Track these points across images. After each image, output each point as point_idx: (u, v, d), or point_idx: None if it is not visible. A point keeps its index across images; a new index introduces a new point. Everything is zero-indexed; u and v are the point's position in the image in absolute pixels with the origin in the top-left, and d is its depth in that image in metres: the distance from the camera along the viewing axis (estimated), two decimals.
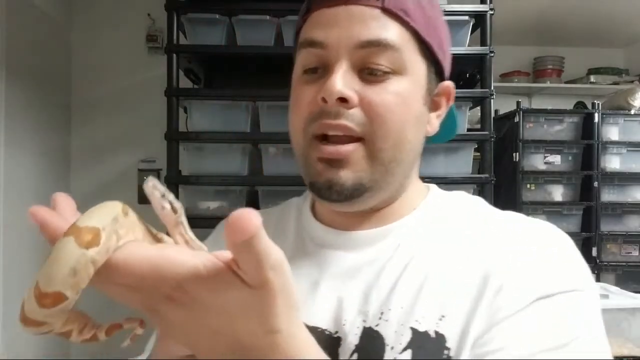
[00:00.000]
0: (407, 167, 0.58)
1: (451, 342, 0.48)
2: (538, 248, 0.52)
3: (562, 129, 2.69)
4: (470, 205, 0.61)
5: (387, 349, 0.49)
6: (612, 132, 2.73)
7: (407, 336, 0.49)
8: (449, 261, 0.53)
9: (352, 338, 0.51)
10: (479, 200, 0.62)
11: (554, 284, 0.48)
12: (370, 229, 0.59)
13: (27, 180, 2.11)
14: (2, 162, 1.93)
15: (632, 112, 2.72)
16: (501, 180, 2.26)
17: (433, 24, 0.58)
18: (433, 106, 0.60)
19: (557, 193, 2.69)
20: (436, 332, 0.48)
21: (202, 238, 0.42)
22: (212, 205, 1.80)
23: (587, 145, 2.68)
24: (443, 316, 0.49)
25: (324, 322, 0.54)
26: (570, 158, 2.70)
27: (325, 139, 0.54)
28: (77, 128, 2.47)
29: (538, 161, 2.68)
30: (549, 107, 2.79)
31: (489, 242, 0.53)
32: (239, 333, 0.34)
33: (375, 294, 0.53)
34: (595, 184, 2.66)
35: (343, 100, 0.52)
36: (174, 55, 1.77)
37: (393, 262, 0.55)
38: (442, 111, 0.62)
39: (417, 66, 0.56)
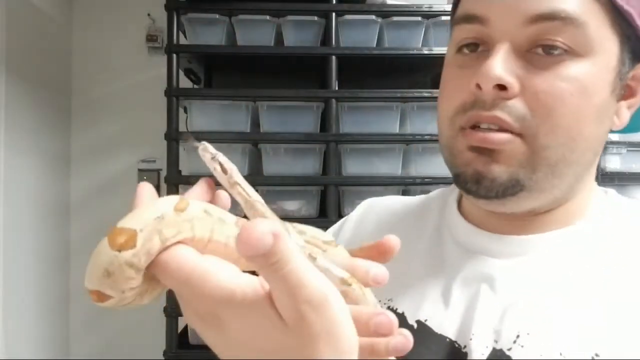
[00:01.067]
0: (582, 168, 0.47)
1: None
2: None
3: None
4: None
5: None
6: None
7: None
8: (613, 288, 0.44)
9: (476, 356, 0.44)
10: None
11: None
12: (523, 234, 0.49)
13: (27, 180, 2.11)
14: (2, 162, 1.93)
15: None
16: None
17: None
18: (626, 93, 0.48)
19: None
20: None
21: None
22: None
23: None
24: (597, 355, 0.40)
25: (452, 332, 0.47)
26: None
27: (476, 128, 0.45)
28: (77, 128, 2.47)
29: None
30: None
31: None
32: None
33: (513, 312, 0.45)
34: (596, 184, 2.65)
35: (501, 87, 0.43)
36: (174, 55, 1.77)
37: (542, 279, 0.46)
38: (638, 99, 0.49)
39: (607, 44, 0.44)
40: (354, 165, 1.80)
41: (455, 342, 0.46)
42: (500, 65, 0.43)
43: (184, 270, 0.28)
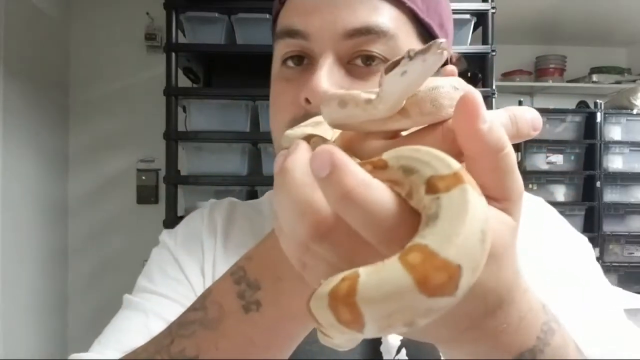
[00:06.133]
0: None
1: None
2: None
3: (564, 129, 2.68)
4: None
5: None
6: (614, 131, 2.71)
7: None
8: (531, 259, 0.51)
9: (391, 340, 0.47)
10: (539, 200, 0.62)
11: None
12: None
13: (25, 179, 2.09)
14: (0, 162, 1.91)
15: (635, 111, 2.71)
16: None
17: (433, 0, 0.51)
18: None
19: (560, 193, 2.67)
20: None
21: None
22: None
23: (589, 145, 2.66)
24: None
25: None
26: (572, 158, 2.68)
27: None
28: (76, 127, 2.46)
29: (540, 161, 2.67)
30: (551, 107, 2.77)
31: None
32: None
33: None
34: (598, 184, 2.64)
35: None
36: (173, 54, 1.76)
37: None
38: None
39: None
40: None
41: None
42: (326, 79, 0.45)
43: None
